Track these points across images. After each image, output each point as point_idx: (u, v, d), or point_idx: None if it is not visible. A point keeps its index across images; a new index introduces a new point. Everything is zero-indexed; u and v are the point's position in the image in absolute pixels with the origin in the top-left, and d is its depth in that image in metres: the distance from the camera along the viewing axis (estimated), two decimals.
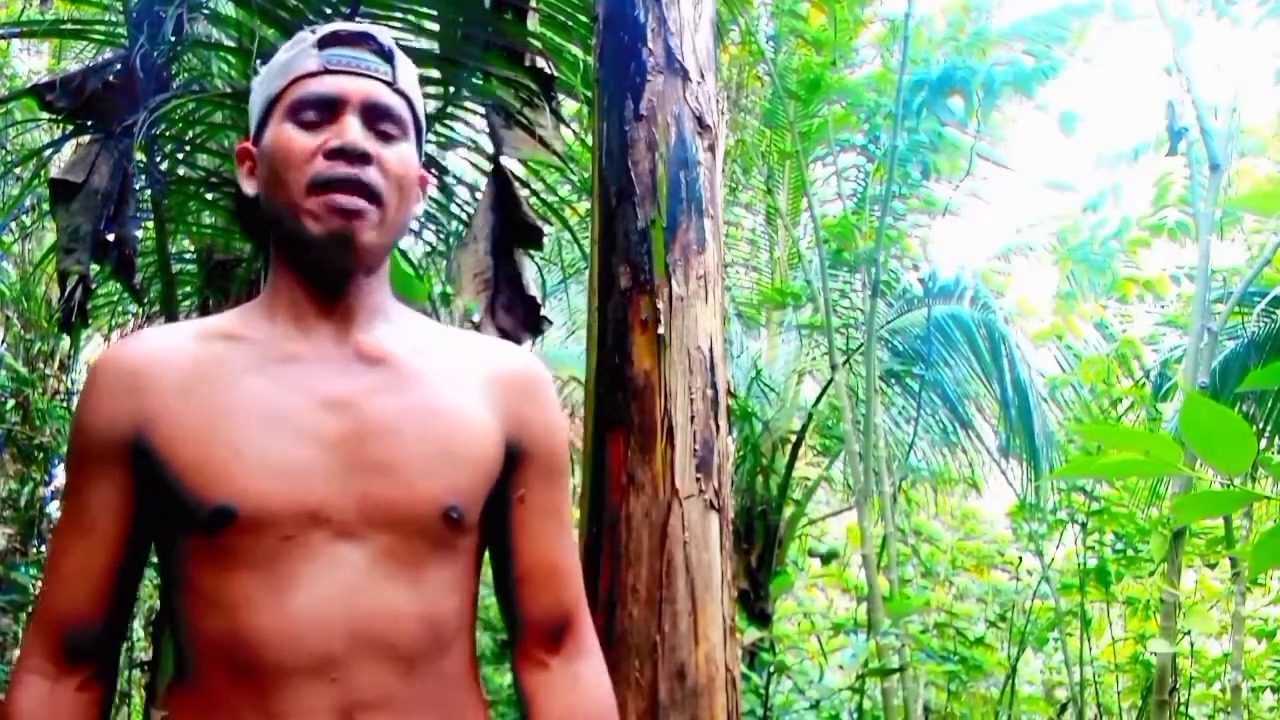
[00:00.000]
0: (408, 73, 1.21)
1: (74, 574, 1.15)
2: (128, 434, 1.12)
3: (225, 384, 1.12)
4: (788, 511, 5.72)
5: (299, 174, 1.12)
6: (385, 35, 1.21)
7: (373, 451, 1.11)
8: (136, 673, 5.41)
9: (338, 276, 1.15)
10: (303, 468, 1.09)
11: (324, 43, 1.18)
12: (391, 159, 1.14)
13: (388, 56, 1.19)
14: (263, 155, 1.17)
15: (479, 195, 3.32)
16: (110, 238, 2.89)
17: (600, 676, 1.24)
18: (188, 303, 3.68)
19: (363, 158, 1.11)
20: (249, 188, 1.20)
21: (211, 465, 1.09)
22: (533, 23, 3.09)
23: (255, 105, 1.22)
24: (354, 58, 1.17)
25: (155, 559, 1.20)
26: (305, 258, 1.15)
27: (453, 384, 1.18)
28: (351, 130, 1.12)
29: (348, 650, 1.07)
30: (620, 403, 2.26)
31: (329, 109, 1.14)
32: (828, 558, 7.60)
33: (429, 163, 3.53)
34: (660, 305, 2.26)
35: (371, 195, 1.12)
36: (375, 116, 1.15)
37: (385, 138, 1.15)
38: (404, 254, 3.55)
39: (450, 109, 3.42)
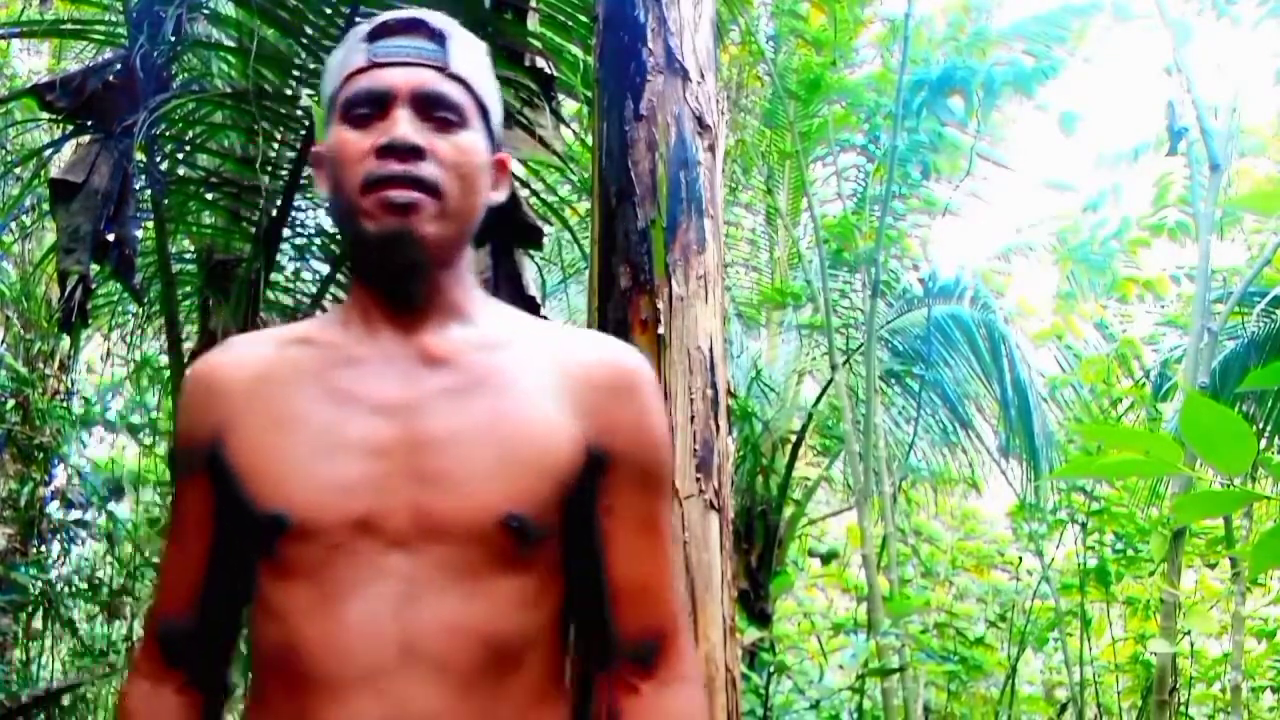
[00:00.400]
0: (465, 55, 1.16)
1: (170, 579, 1.19)
2: (207, 443, 1.13)
3: (285, 390, 1.12)
4: (788, 511, 5.71)
5: (353, 174, 1.09)
6: (439, 18, 1.16)
7: (427, 459, 1.07)
8: None
9: (403, 274, 1.11)
10: (352, 476, 1.06)
11: (373, 35, 1.14)
12: (447, 149, 1.10)
13: (440, 39, 1.14)
14: (327, 159, 1.15)
15: None
16: (110, 238, 2.89)
17: (693, 703, 1.15)
18: (188, 303, 3.68)
19: (414, 151, 1.08)
20: (322, 191, 1.18)
21: (266, 473, 1.08)
22: (533, 23, 3.09)
23: (324, 109, 1.20)
24: (403, 47, 1.12)
25: None
26: (369, 258, 1.13)
27: (524, 385, 1.12)
28: (400, 124, 1.08)
29: (398, 664, 1.03)
30: None
31: (379, 104, 1.10)
32: (828, 558, 7.60)
33: None
34: (660, 305, 2.26)
35: (428, 188, 1.08)
36: (428, 105, 1.11)
37: (443, 126, 1.11)
38: None
39: None
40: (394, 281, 1.12)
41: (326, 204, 1.19)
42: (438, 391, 1.10)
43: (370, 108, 1.11)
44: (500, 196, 1.20)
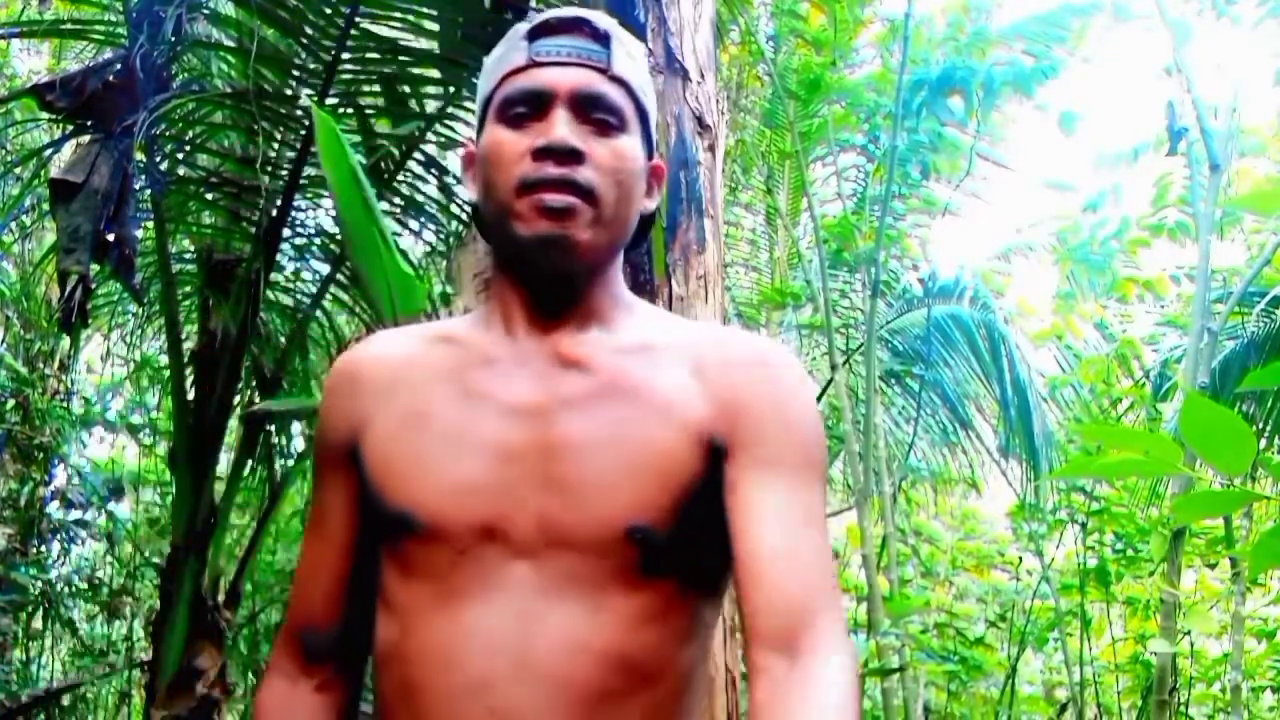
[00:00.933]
0: (629, 56, 1.12)
1: (311, 575, 1.17)
2: (349, 437, 1.12)
3: (421, 387, 1.10)
4: None
5: (507, 176, 1.06)
6: (602, 18, 1.12)
7: (556, 465, 1.03)
8: (136, 673, 5.41)
9: (555, 279, 1.08)
10: (479, 480, 1.04)
11: (534, 34, 1.10)
12: (605, 153, 1.06)
13: (604, 40, 1.10)
14: (479, 159, 1.12)
15: None
16: (110, 238, 2.89)
17: (840, 675, 0.95)
18: (188, 303, 3.68)
19: (572, 154, 1.04)
20: (469, 193, 1.16)
21: (397, 471, 1.07)
22: None
23: (477, 106, 1.17)
24: (564, 46, 1.09)
25: None
26: (520, 262, 1.09)
27: (656, 390, 1.06)
28: (559, 126, 1.05)
29: (513, 678, 0.98)
30: None
31: (537, 104, 1.07)
32: None
33: (428, 162, 3.53)
34: (660, 305, 2.26)
35: (584, 193, 1.04)
36: (588, 107, 1.07)
37: (602, 130, 1.07)
38: (404, 254, 3.55)
39: (450, 109, 3.42)
40: (543, 286, 1.09)
41: (473, 206, 1.16)
42: (571, 396, 1.06)
43: (528, 107, 1.08)
44: (652, 204, 1.16)
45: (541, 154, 1.04)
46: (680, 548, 1.04)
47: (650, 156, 1.15)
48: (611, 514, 1.02)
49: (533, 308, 1.10)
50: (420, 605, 1.03)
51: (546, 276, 1.08)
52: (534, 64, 1.09)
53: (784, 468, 1.04)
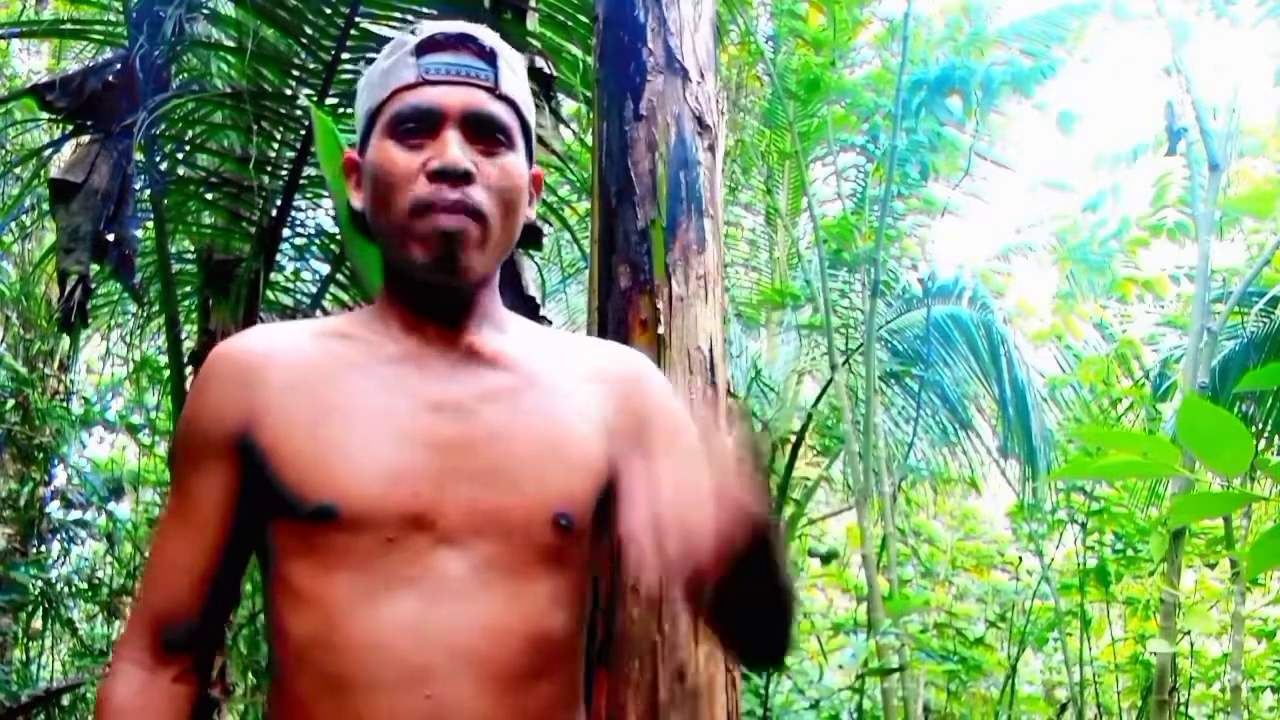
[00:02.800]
0: (513, 73, 1.15)
1: (174, 568, 1.14)
2: (235, 428, 1.10)
3: (333, 381, 1.11)
4: (788, 511, 5.72)
5: (402, 196, 1.08)
6: (488, 35, 1.15)
7: (483, 456, 1.07)
8: None
9: (445, 296, 1.13)
10: (408, 470, 1.06)
11: (422, 49, 1.12)
12: (495, 173, 1.10)
13: (490, 58, 1.13)
14: (366, 171, 1.14)
15: None
16: (110, 238, 2.89)
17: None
18: (187, 303, 3.68)
19: (465, 177, 1.07)
20: (356, 201, 1.18)
21: (314, 463, 1.06)
22: (532, 22, 3.09)
23: (359, 114, 1.18)
24: (453, 65, 1.11)
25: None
26: (411, 281, 1.13)
27: (565, 386, 1.14)
28: (451, 147, 1.08)
29: (445, 665, 1.01)
30: None
31: (428, 123, 1.09)
32: (828, 558, 7.60)
33: None
34: (660, 305, 2.26)
35: (475, 214, 1.08)
36: (477, 127, 1.10)
37: (489, 149, 1.11)
38: None
39: None
40: (433, 303, 1.14)
41: (362, 213, 1.17)
42: (489, 391, 1.11)
43: (419, 125, 1.10)
44: (533, 213, 1.21)
45: (436, 176, 1.07)
46: (589, 536, 1.12)
47: (531, 166, 1.18)
48: (540, 502, 1.07)
49: (431, 311, 1.14)
50: (345, 597, 1.03)
51: (438, 295, 1.13)
52: (424, 81, 1.11)
53: (681, 447, 1.11)
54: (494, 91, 1.12)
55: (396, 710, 1.01)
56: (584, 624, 1.13)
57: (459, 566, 1.04)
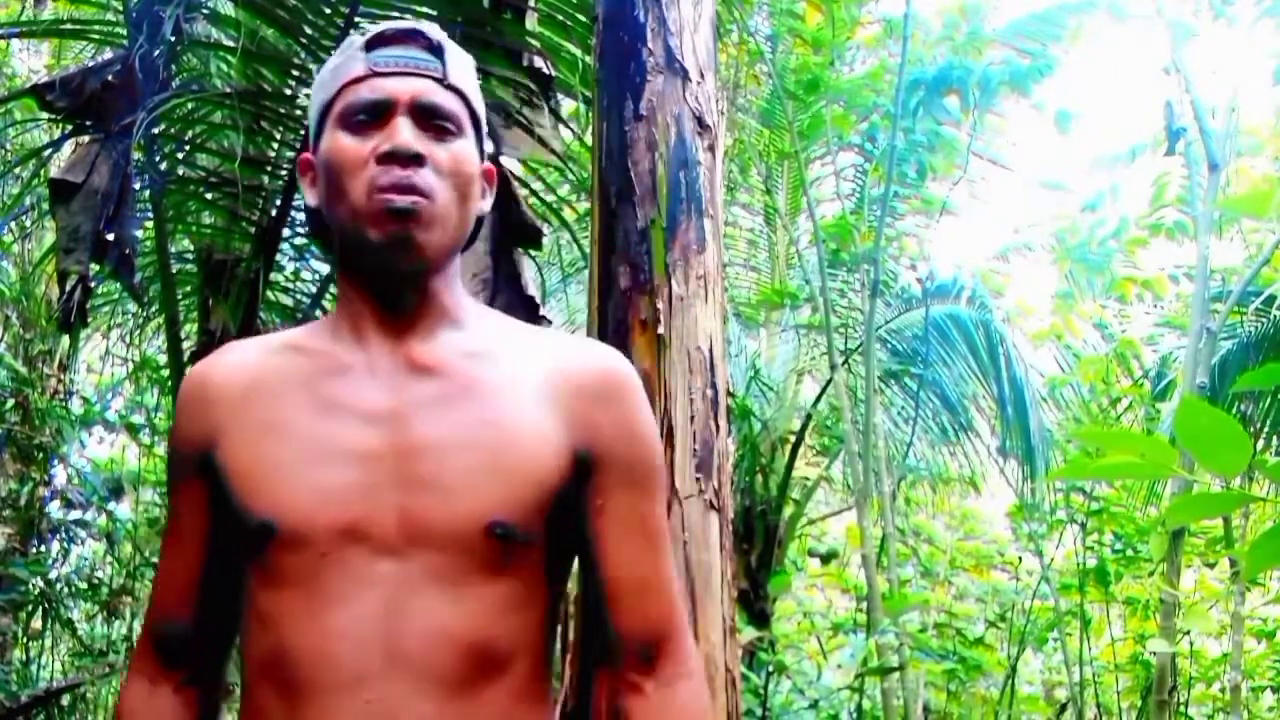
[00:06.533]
0: (461, 66, 1.18)
1: (166, 580, 1.21)
2: (200, 448, 1.15)
3: (278, 397, 1.13)
4: (787, 511, 5.72)
5: (355, 180, 1.10)
6: (435, 30, 1.18)
7: (415, 466, 1.08)
8: None
9: (402, 280, 1.13)
10: (340, 484, 1.08)
11: (371, 45, 1.16)
12: (444, 157, 1.12)
13: (437, 51, 1.16)
14: (320, 166, 1.16)
15: None
16: (110, 238, 2.89)
17: (697, 701, 1.15)
18: (187, 303, 3.68)
19: (415, 159, 1.09)
20: (311, 199, 1.19)
21: (256, 480, 1.10)
22: (531, 22, 3.10)
23: (311, 115, 1.20)
24: (401, 57, 1.14)
25: None
26: (368, 264, 1.14)
27: (511, 392, 1.13)
28: (402, 132, 1.10)
29: (384, 671, 1.04)
30: None
31: (379, 112, 1.12)
32: (827, 558, 7.61)
33: None
34: (660, 305, 2.26)
35: (425, 195, 1.10)
36: (426, 115, 1.13)
37: (439, 136, 1.13)
38: None
39: None
40: (389, 287, 1.14)
41: (311, 211, 1.20)
42: (425, 399, 1.11)
43: (370, 115, 1.12)
44: (487, 206, 1.22)
45: (386, 158, 1.09)
46: (542, 543, 1.11)
47: (483, 160, 1.20)
48: (471, 511, 1.07)
49: (382, 312, 1.14)
50: (291, 611, 1.07)
51: (394, 276, 1.13)
52: (373, 74, 1.13)
53: (636, 490, 1.16)
54: (442, 81, 1.15)
55: (340, 715, 1.04)
56: (547, 628, 1.14)
57: (398, 576, 1.06)
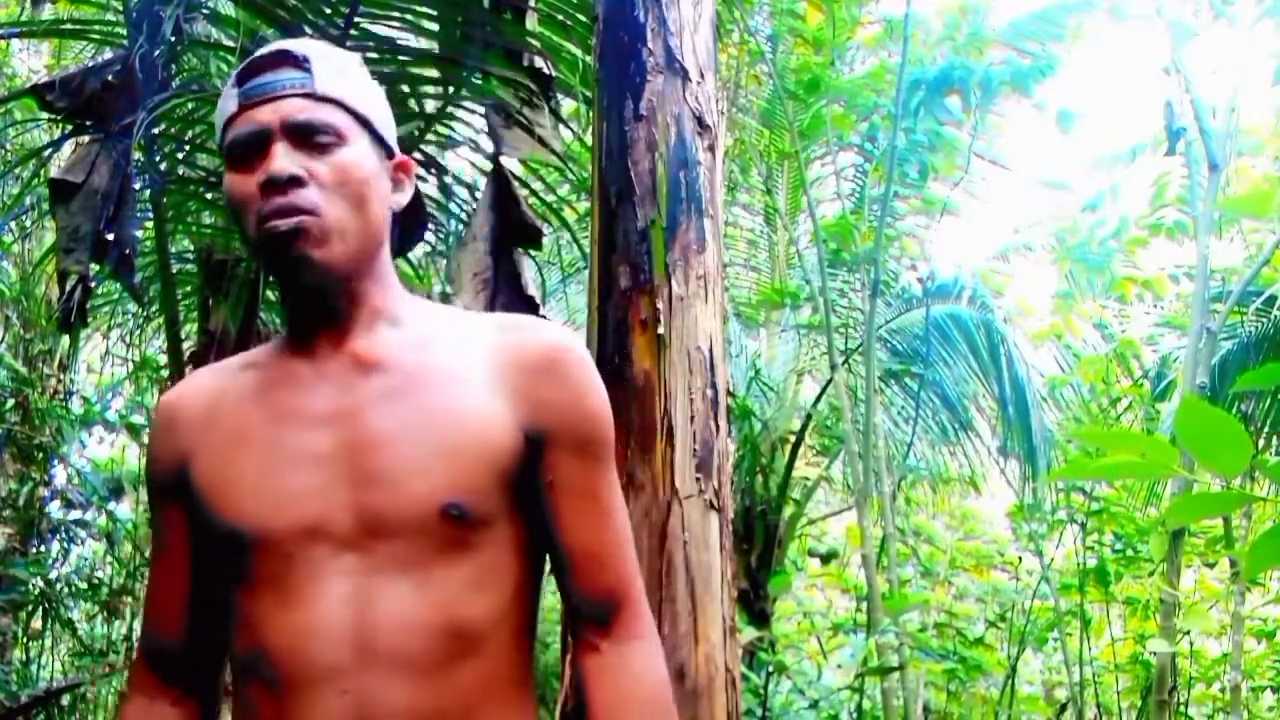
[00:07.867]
0: (332, 73, 1.18)
1: (156, 600, 1.26)
2: (175, 470, 1.21)
3: (235, 414, 1.19)
4: (787, 511, 5.72)
5: (248, 215, 1.14)
6: (302, 45, 1.19)
7: (367, 461, 1.12)
8: None
9: (321, 294, 1.16)
10: (297, 486, 1.12)
11: (241, 77, 1.17)
12: (326, 170, 1.14)
13: (304, 66, 1.16)
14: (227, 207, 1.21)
15: (478, 195, 3.32)
16: (110, 238, 2.89)
17: (651, 660, 1.21)
18: (187, 303, 3.68)
19: (292, 181, 1.11)
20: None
21: (222, 492, 1.15)
22: (532, 22, 3.10)
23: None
24: (269, 83, 1.15)
25: None
26: (285, 285, 1.19)
27: (457, 378, 1.16)
28: (277, 159, 1.12)
29: (357, 661, 1.08)
30: (620, 403, 2.26)
31: (258, 144, 1.14)
32: (827, 558, 7.61)
33: (427, 162, 3.53)
34: (660, 305, 2.26)
35: (309, 213, 1.12)
36: (301, 134, 1.14)
37: (319, 150, 1.14)
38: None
39: (450, 109, 3.42)
40: (311, 301, 1.17)
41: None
42: (372, 395, 1.15)
43: (250, 149, 1.15)
44: (403, 199, 1.24)
45: (267, 188, 1.12)
46: (506, 522, 1.16)
47: (390, 155, 1.22)
48: (424, 495, 1.11)
49: (318, 322, 1.18)
50: (266, 612, 1.12)
51: (311, 292, 1.16)
52: (244, 108, 1.16)
53: (585, 462, 1.19)
54: (312, 95, 1.15)
55: (319, 707, 1.08)
56: (524, 606, 1.18)
57: (362, 567, 1.10)
